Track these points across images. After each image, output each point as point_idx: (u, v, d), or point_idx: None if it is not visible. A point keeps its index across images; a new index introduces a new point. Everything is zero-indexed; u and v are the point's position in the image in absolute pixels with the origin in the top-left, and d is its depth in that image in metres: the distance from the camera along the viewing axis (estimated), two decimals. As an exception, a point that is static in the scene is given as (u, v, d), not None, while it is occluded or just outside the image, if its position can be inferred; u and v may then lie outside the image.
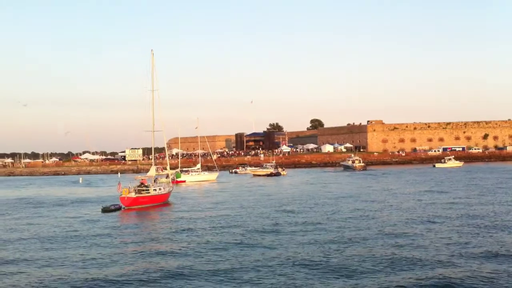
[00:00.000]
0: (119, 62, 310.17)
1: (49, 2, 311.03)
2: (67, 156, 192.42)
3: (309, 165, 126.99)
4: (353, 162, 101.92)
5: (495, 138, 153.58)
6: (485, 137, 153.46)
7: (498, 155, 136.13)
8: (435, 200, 40.68)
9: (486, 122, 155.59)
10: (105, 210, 39.60)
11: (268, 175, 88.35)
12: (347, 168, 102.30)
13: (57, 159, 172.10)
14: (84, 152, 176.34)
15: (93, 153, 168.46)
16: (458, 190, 49.22)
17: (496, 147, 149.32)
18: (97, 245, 24.98)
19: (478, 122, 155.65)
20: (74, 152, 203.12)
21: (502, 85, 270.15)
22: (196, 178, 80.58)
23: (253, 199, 45.91)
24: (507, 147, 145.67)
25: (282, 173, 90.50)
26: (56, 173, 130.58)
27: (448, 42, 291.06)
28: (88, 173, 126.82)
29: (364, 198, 44.50)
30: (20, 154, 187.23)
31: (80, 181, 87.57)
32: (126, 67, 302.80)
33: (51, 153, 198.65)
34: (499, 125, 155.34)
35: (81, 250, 23.78)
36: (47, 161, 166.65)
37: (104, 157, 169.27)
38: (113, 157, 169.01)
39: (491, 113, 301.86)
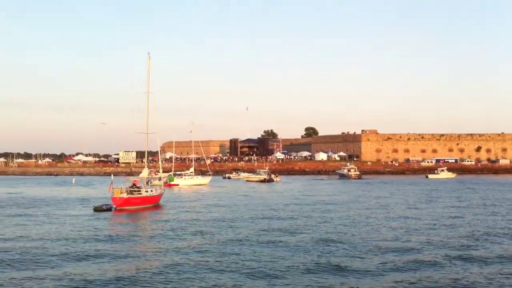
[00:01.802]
0: (115, 64, 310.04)
1: (44, 4, 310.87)
2: (60, 157, 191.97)
3: (302, 172, 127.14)
4: (349, 170, 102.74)
5: (488, 151, 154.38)
6: (478, 149, 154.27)
7: (491, 168, 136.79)
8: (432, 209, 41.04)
9: (480, 135, 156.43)
10: (97, 209, 39.70)
11: (261, 181, 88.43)
12: (342, 176, 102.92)
13: (50, 160, 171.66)
14: (77, 154, 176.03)
15: (86, 155, 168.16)
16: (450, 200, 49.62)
17: (488, 160, 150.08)
18: (86, 243, 25.08)
19: (471, 135, 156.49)
20: (67, 153, 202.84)
21: (496, 99, 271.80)
22: (189, 182, 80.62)
23: (244, 204, 45.97)
24: (500, 160, 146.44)
25: (275, 179, 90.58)
26: (49, 174, 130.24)
27: (444, 54, 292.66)
28: (81, 174, 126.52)
29: (361, 205, 44.74)
30: (12, 154, 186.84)
31: (73, 182, 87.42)
32: (122, 69, 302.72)
33: (44, 153, 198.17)
34: (492, 138, 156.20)
35: (69, 247, 23.89)
36: (40, 162, 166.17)
37: (97, 159, 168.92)
38: (106, 159, 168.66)
39: (484, 126, 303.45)
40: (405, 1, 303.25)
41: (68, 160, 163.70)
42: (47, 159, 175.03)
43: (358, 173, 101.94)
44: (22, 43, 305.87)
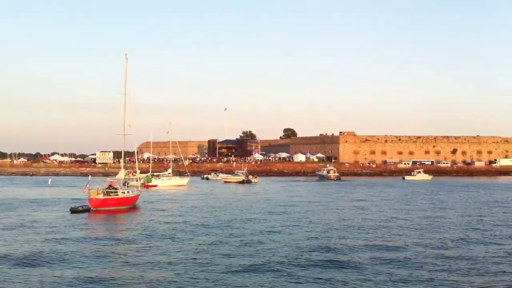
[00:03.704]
0: (91, 64, 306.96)
1: (22, 4, 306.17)
2: (35, 157, 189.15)
3: (281, 173, 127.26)
4: (328, 172, 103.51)
5: (464, 153, 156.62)
6: (454, 152, 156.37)
7: (466, 170, 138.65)
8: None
9: (455, 138, 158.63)
10: (74, 211, 39.22)
11: (239, 183, 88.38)
12: (322, 177, 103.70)
13: (25, 160, 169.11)
14: (53, 154, 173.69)
15: (62, 155, 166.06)
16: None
17: (464, 162, 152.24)
18: (61, 244, 24.75)
19: (447, 137, 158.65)
20: (42, 153, 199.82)
21: (471, 102, 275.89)
22: (167, 183, 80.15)
23: (221, 206, 45.83)
24: (475, 163, 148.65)
25: (253, 180, 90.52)
26: (24, 174, 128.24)
27: (421, 59, 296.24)
28: (57, 174, 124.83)
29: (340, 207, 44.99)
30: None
31: (49, 183, 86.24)
32: (98, 70, 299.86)
33: (19, 153, 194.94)
34: (468, 141, 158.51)
35: (46, 249, 23.56)
36: (15, 161, 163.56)
37: (73, 159, 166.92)
38: (82, 159, 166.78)
39: (460, 129, 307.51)
40: (389, 4, 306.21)
41: (44, 160, 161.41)
42: (22, 159, 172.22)
43: (337, 174, 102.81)
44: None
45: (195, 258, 21.65)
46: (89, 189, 41.47)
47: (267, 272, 19.39)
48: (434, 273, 19.47)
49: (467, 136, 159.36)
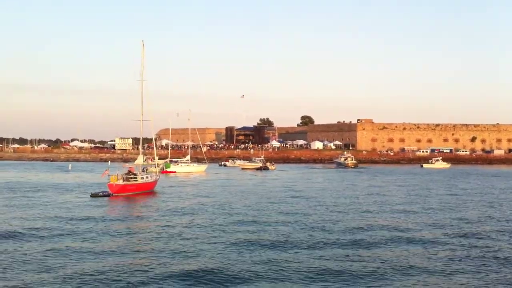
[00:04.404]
0: (110, 51, 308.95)
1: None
2: (55, 143, 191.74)
3: (298, 161, 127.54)
4: (346, 159, 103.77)
5: (483, 141, 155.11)
6: (473, 140, 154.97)
7: (485, 158, 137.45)
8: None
9: (475, 125, 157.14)
10: (94, 195, 40.04)
11: (256, 169, 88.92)
12: (339, 165, 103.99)
13: (46, 146, 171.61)
14: (72, 140, 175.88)
15: (82, 141, 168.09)
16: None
17: (483, 150, 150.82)
18: (82, 225, 25.41)
19: (466, 125, 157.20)
20: (62, 139, 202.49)
21: (492, 89, 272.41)
22: (185, 169, 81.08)
23: (238, 192, 46.30)
24: (494, 151, 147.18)
25: (270, 167, 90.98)
26: (45, 159, 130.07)
27: (440, 45, 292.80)
28: (77, 160, 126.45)
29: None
30: (8, 139, 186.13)
31: (69, 168, 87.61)
32: (118, 57, 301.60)
33: (40, 139, 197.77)
34: (487, 129, 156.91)
35: (68, 227, 24.23)
36: (35, 147, 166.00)
37: (93, 145, 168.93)
38: (102, 146, 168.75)
39: (479, 117, 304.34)
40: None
41: (64, 146, 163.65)
42: (43, 145, 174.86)
43: (355, 162, 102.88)
44: (14, 28, 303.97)
45: (210, 236, 22.58)
46: (108, 175, 42.25)
47: (286, 250, 20.07)
48: (452, 251, 20.23)
49: (487, 124, 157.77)
